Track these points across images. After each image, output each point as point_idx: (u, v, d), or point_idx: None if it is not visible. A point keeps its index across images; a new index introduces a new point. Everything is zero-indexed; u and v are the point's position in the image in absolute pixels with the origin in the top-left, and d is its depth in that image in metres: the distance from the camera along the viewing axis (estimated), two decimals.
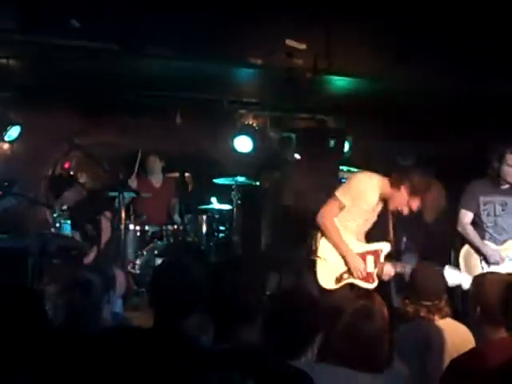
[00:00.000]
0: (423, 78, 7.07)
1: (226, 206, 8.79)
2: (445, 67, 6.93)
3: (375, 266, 5.71)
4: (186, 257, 5.00)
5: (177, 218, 8.70)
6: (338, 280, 5.66)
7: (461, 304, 5.97)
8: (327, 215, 5.62)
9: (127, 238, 7.54)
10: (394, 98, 7.55)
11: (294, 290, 4.01)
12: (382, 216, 5.88)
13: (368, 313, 3.44)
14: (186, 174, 9.04)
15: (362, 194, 5.65)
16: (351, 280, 5.67)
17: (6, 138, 7.64)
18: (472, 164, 7.37)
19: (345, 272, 5.66)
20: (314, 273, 5.62)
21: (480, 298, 3.84)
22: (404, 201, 5.62)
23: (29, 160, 7.53)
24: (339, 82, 7.54)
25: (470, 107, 7.42)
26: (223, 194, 8.82)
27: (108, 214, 7.25)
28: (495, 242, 6.36)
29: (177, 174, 8.88)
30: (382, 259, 5.74)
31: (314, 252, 5.66)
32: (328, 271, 5.66)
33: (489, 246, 6.34)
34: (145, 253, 7.89)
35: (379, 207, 5.81)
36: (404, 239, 8.64)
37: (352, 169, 9.51)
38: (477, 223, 6.43)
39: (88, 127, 7.44)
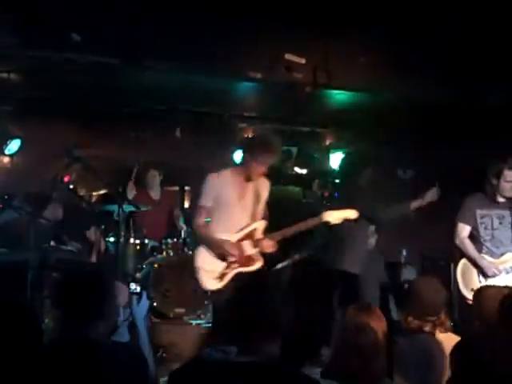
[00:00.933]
0: (422, 91, 7.09)
1: None
2: (444, 80, 6.96)
3: (254, 246, 5.74)
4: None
5: (181, 224, 8.68)
6: (221, 277, 5.67)
7: (458, 316, 6.01)
8: (197, 222, 5.71)
9: (126, 252, 7.55)
10: (393, 112, 7.56)
11: None
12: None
13: (363, 327, 3.54)
14: (186, 188, 9.04)
15: (218, 192, 5.70)
16: (234, 271, 5.68)
17: (7, 152, 7.65)
18: (471, 177, 7.39)
19: (225, 267, 5.67)
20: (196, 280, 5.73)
21: (478, 311, 3.85)
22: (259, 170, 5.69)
23: (29, 173, 7.55)
24: (338, 96, 7.56)
25: (469, 120, 7.44)
26: None
27: (94, 229, 7.27)
28: (492, 255, 6.38)
29: (176, 188, 8.88)
30: (258, 236, 5.79)
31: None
32: (208, 274, 5.69)
33: (486, 259, 6.35)
34: (144, 266, 7.88)
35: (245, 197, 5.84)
36: (403, 252, 8.65)
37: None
38: (474, 236, 6.45)
39: (88, 140, 7.46)
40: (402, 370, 4.22)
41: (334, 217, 5.96)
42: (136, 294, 4.27)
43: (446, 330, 4.39)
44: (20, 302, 3.42)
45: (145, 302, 4.30)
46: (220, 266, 5.68)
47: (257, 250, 5.78)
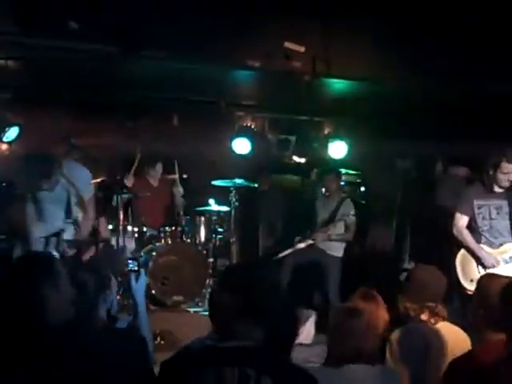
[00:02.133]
0: (422, 80, 7.08)
1: (224, 208, 8.80)
2: (444, 69, 6.94)
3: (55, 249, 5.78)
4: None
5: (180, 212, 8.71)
6: None
7: (460, 307, 6.02)
8: None
9: (125, 239, 7.56)
10: (392, 101, 7.56)
11: None
12: None
13: (355, 311, 3.69)
14: (184, 176, 9.05)
15: None
16: None
17: (5, 139, 7.63)
18: (471, 166, 7.40)
19: None
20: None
21: (482, 300, 3.86)
22: None
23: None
24: (338, 85, 7.54)
25: (469, 109, 7.43)
26: (221, 195, 8.83)
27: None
28: (491, 245, 6.39)
29: (175, 176, 8.88)
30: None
31: None
32: None
33: (484, 250, 6.36)
34: (142, 254, 7.90)
35: None
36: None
37: (351, 171, 9.56)
38: (472, 227, 6.46)
39: (86, 128, 7.45)
40: (400, 357, 4.25)
41: None
42: (134, 271, 4.27)
43: (443, 319, 4.41)
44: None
45: (143, 280, 4.31)
46: None
47: None
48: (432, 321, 4.39)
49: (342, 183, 9.22)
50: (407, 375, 4.18)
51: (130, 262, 4.36)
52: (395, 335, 4.34)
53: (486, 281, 4.10)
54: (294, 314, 3.24)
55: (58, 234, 5.77)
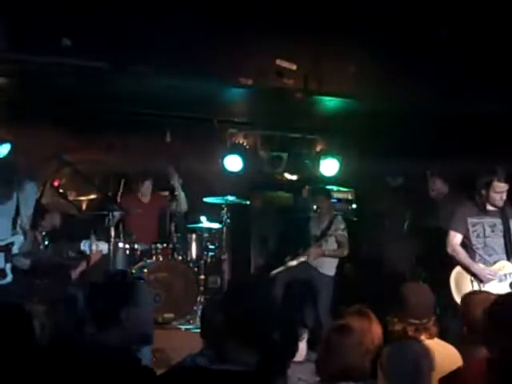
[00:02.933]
0: (413, 98, 7.11)
1: (216, 225, 8.78)
2: (433, 89, 6.98)
3: (6, 261, 5.71)
4: None
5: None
6: None
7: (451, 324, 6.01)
8: None
9: (116, 256, 7.52)
10: (384, 119, 7.58)
11: None
12: None
13: (346, 328, 3.65)
14: (176, 193, 9.02)
15: None
16: None
17: None
18: (460, 185, 7.41)
19: None
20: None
21: (466, 316, 3.87)
22: None
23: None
24: (329, 102, 7.56)
25: (458, 128, 7.46)
26: (213, 212, 8.80)
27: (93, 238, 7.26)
28: (485, 263, 6.39)
29: (166, 193, 8.85)
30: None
31: None
32: None
33: (479, 265, 6.35)
34: (134, 271, 7.85)
35: None
36: None
37: (342, 188, 9.56)
38: (466, 245, 6.46)
39: (77, 145, 7.44)
40: (389, 375, 4.25)
41: None
42: None
43: (431, 336, 4.40)
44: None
45: None
46: None
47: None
48: (421, 337, 4.39)
49: (334, 201, 9.22)
50: None
51: None
52: (385, 352, 4.33)
53: (468, 298, 4.11)
54: (294, 331, 3.24)
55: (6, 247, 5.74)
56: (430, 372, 4.18)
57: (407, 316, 4.40)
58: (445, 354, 4.32)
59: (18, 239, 5.82)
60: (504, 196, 6.32)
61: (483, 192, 6.34)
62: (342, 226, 8.29)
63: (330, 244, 8.24)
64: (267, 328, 3.01)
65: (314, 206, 8.45)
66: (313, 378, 3.79)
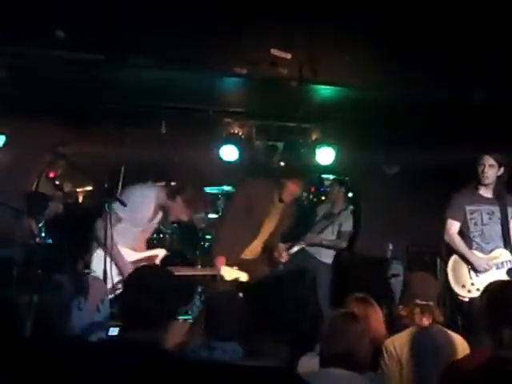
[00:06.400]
0: (409, 86, 7.10)
1: (213, 215, 8.77)
2: (430, 76, 6.97)
3: None
4: None
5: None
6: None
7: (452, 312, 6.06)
8: (101, 228, 5.56)
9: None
10: (379, 107, 7.57)
11: None
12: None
13: (351, 315, 3.72)
14: (172, 184, 9.00)
15: (137, 206, 5.81)
16: None
17: None
18: (457, 173, 7.42)
19: (117, 282, 5.60)
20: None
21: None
22: (181, 210, 5.95)
23: (14, 169, 7.51)
24: (324, 91, 7.55)
25: (455, 116, 7.46)
26: (209, 202, 8.80)
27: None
28: (482, 250, 6.40)
29: (163, 183, 8.84)
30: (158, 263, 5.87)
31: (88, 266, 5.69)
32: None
33: (476, 255, 6.36)
34: None
35: (158, 217, 6.05)
36: (390, 247, 8.68)
37: (337, 177, 9.56)
38: (464, 233, 6.47)
39: (72, 137, 7.42)
40: (395, 363, 4.28)
41: (228, 274, 6.32)
42: None
43: (435, 321, 4.45)
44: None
45: None
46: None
47: None
48: (426, 322, 4.44)
49: (329, 188, 9.25)
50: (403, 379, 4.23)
51: None
52: (390, 341, 4.37)
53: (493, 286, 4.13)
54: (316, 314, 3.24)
55: None
56: (436, 357, 4.23)
57: (413, 298, 4.49)
58: (451, 341, 4.39)
59: (161, 252, 6.11)
60: (495, 172, 6.30)
61: (479, 170, 6.34)
62: (349, 220, 8.36)
63: (331, 233, 8.28)
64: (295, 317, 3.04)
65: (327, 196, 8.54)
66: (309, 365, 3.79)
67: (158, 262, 5.91)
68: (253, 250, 6.95)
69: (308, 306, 3.05)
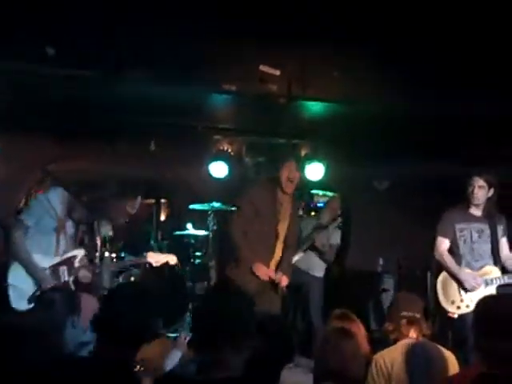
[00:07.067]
0: (398, 102, 7.12)
1: (202, 232, 8.76)
2: (420, 92, 6.99)
3: (69, 274, 5.75)
4: None
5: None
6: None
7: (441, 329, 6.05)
8: (13, 240, 5.59)
9: (103, 265, 7.48)
10: (368, 122, 7.59)
11: None
12: None
13: (344, 331, 3.66)
14: (162, 201, 9.01)
15: (42, 212, 5.75)
16: None
17: None
18: (447, 187, 7.44)
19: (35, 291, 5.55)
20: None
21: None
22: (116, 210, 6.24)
23: (2, 187, 7.48)
24: (314, 107, 7.57)
25: (445, 132, 7.48)
26: (199, 219, 8.79)
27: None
28: (472, 268, 6.42)
29: (152, 201, 8.84)
30: (76, 265, 5.81)
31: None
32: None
33: (465, 272, 6.37)
34: (121, 279, 7.83)
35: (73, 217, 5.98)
36: (380, 261, 8.69)
37: (327, 193, 9.58)
38: (453, 250, 6.49)
39: (61, 154, 7.40)
40: (382, 378, 4.26)
41: (155, 259, 6.32)
42: None
43: (421, 333, 4.46)
44: None
45: None
46: None
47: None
48: (413, 334, 4.43)
49: (320, 204, 9.24)
50: None
51: None
52: (379, 356, 4.36)
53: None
54: (289, 336, 3.23)
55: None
56: (424, 372, 4.21)
57: (399, 311, 4.51)
58: (440, 356, 4.38)
59: (80, 252, 5.90)
60: (485, 193, 6.33)
61: (468, 190, 6.36)
62: (337, 233, 8.37)
63: (321, 246, 8.29)
64: (259, 333, 3.01)
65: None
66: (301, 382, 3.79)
67: (77, 263, 5.83)
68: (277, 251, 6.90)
69: (251, 321, 3.01)
